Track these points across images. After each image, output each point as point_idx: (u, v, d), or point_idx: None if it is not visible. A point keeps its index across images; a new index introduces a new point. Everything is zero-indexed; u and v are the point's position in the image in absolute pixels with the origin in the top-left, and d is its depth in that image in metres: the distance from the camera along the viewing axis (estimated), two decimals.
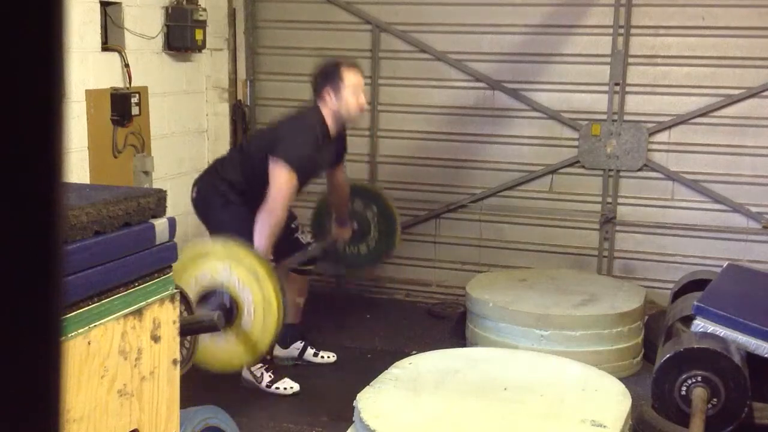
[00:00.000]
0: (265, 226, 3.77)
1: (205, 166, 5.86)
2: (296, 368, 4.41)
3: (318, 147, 4.00)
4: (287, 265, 4.15)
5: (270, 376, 4.10)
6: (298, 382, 4.14)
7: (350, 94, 4.01)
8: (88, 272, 1.99)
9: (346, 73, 4.02)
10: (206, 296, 3.13)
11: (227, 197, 4.04)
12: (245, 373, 4.15)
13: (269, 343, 3.24)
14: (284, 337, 4.37)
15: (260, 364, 4.09)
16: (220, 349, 3.19)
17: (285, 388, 4.09)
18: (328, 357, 4.52)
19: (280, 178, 3.83)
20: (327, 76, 4.04)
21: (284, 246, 4.07)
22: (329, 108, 4.03)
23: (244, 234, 3.81)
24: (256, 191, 3.92)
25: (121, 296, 2.10)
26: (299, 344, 4.49)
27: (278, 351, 4.41)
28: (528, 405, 2.95)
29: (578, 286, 4.75)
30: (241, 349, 3.19)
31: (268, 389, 4.09)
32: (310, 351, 4.50)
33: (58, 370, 0.52)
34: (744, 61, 4.98)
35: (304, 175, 3.95)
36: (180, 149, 5.52)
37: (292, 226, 4.31)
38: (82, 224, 1.98)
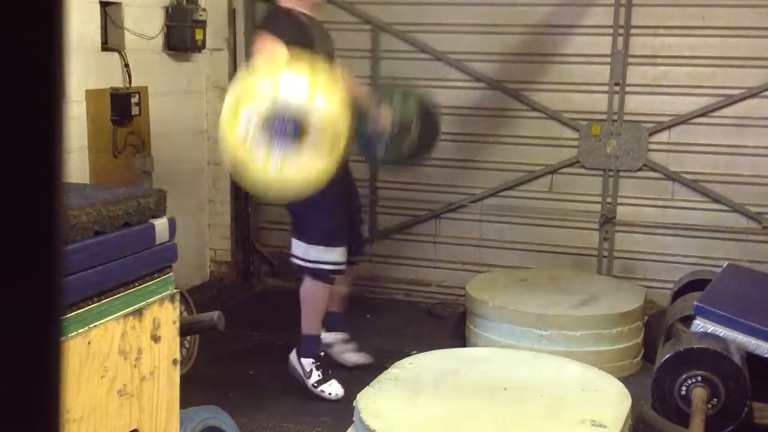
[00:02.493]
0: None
1: (205, 167, 5.89)
2: None
3: (300, 24, 3.81)
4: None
5: (319, 375, 4.03)
6: (298, 383, 4.13)
7: None
8: (88, 272, 1.99)
9: None
10: (274, 113, 2.90)
11: None
12: (294, 361, 4.09)
13: (345, 144, 2.98)
14: (328, 323, 4.33)
15: (312, 360, 4.04)
16: (299, 165, 2.97)
17: (330, 393, 4.01)
18: (365, 357, 4.44)
19: (260, 41, 3.62)
20: None
21: (353, 240, 4.10)
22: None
23: (319, 234, 3.86)
24: None
25: (121, 296, 2.10)
26: (344, 335, 4.43)
27: (324, 335, 4.32)
28: (528, 405, 2.95)
29: (578, 286, 4.75)
30: (320, 157, 2.96)
31: (314, 389, 4.02)
32: (350, 345, 4.43)
33: (58, 370, 0.52)
34: (744, 61, 4.98)
35: (296, 43, 3.66)
36: (180, 149, 5.52)
37: (358, 217, 4.32)
38: (82, 224, 1.98)
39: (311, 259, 3.96)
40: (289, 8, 3.88)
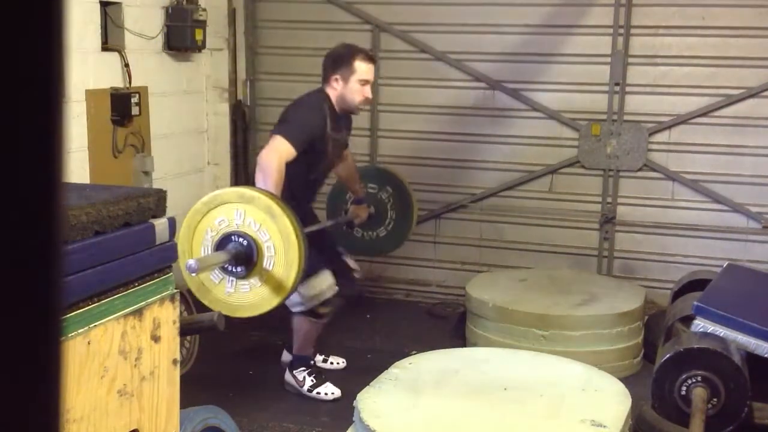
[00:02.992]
0: (260, 181, 3.58)
1: (205, 167, 5.89)
2: None
3: (324, 119, 3.89)
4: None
5: (312, 381, 4.08)
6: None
7: (357, 84, 3.90)
8: (88, 272, 1.99)
9: (358, 62, 3.92)
10: (222, 242, 3.09)
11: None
12: (288, 377, 4.15)
13: (295, 278, 3.14)
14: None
15: (303, 368, 4.09)
16: (248, 295, 3.15)
17: (326, 393, 4.05)
18: (339, 363, 4.50)
19: (274, 141, 3.68)
20: (338, 62, 3.93)
21: (335, 264, 4.09)
22: (334, 92, 3.94)
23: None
24: (295, 192, 3.87)
25: (121, 296, 2.10)
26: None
27: (286, 356, 4.35)
28: (528, 405, 2.94)
29: (578, 286, 4.75)
30: (269, 291, 3.13)
31: (309, 393, 4.06)
32: (318, 357, 4.43)
33: (58, 370, 0.52)
34: (744, 61, 4.98)
35: (311, 143, 3.79)
36: (180, 149, 5.52)
37: (339, 249, 4.33)
38: (82, 224, 1.98)
39: (304, 299, 3.91)
40: (326, 98, 3.96)
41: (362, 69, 3.91)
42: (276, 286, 3.14)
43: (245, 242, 3.09)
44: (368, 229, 4.75)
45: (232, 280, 3.16)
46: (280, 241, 3.08)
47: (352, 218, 4.55)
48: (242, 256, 3.08)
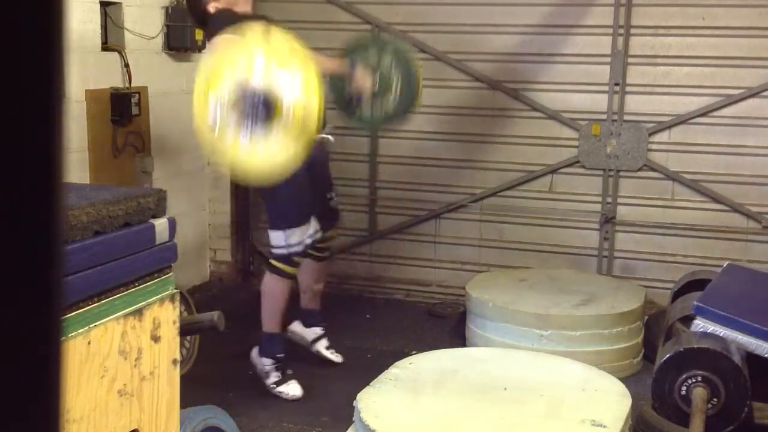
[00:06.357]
0: None
1: (205, 167, 5.89)
2: (299, 366, 4.42)
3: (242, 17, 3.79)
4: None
5: (277, 376, 4.07)
6: (298, 383, 4.14)
7: None
8: (88, 272, 1.99)
9: None
10: (243, 96, 2.96)
11: None
12: (254, 356, 4.15)
13: (317, 122, 3.02)
14: (306, 318, 4.46)
15: (272, 361, 4.07)
16: (269, 145, 3.01)
17: (288, 393, 4.04)
18: (337, 356, 4.54)
19: (216, 43, 3.58)
20: None
21: (323, 215, 4.13)
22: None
23: (284, 217, 3.91)
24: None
25: (121, 296, 2.10)
26: (319, 330, 4.51)
27: (297, 326, 4.47)
28: (528, 405, 2.94)
29: (578, 286, 4.75)
30: (290, 139, 3.00)
31: (272, 389, 4.07)
32: (324, 342, 4.50)
33: (58, 370, 0.52)
34: (744, 61, 4.98)
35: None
36: (180, 149, 5.52)
37: (328, 196, 4.34)
38: (82, 224, 1.98)
39: (285, 243, 3.96)
40: (224, 8, 3.91)
41: None
42: (297, 133, 3.00)
43: (262, 96, 2.95)
44: (377, 100, 4.31)
45: (246, 133, 3.00)
46: (300, 96, 2.97)
47: (359, 91, 4.20)
48: (259, 108, 2.96)
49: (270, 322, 4.09)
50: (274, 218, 4.02)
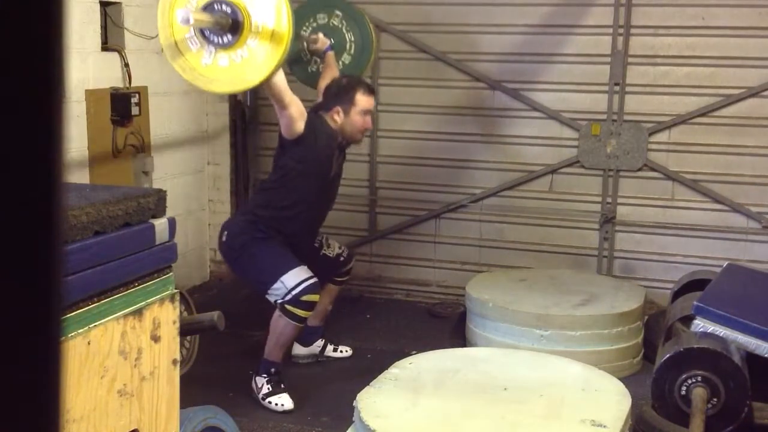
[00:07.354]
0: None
1: (205, 167, 5.90)
2: (299, 368, 4.42)
3: (329, 139, 4.01)
4: None
5: (268, 388, 4.02)
6: (299, 383, 4.14)
7: (358, 116, 4.05)
8: (88, 272, 1.99)
9: (359, 95, 4.04)
10: (207, 8, 2.94)
11: (254, 234, 3.99)
12: (253, 383, 4.12)
13: (279, 62, 3.00)
14: (307, 336, 4.46)
15: (265, 375, 4.04)
16: (226, 70, 2.99)
17: (277, 404, 3.97)
18: (346, 351, 4.63)
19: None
20: (340, 95, 4.05)
21: (316, 265, 4.11)
22: (335, 123, 4.05)
23: (274, 268, 3.87)
24: (280, 214, 3.98)
25: (121, 296, 2.10)
26: (320, 342, 4.57)
27: (299, 350, 4.50)
28: (528, 405, 2.94)
29: (578, 286, 4.75)
30: (249, 70, 2.97)
31: (262, 401, 4.00)
32: (330, 347, 4.60)
33: (58, 370, 0.52)
34: (744, 61, 4.98)
35: (313, 161, 3.95)
36: (180, 149, 5.52)
37: (316, 245, 4.35)
38: (82, 224, 1.98)
39: (288, 288, 3.90)
40: (327, 124, 4.10)
41: (363, 101, 4.06)
42: (257, 66, 2.98)
43: (230, 10, 2.92)
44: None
45: (211, 50, 2.97)
46: (269, 17, 2.93)
47: (311, 43, 4.42)
48: (227, 25, 2.91)
49: (273, 351, 4.06)
50: (265, 277, 3.94)
